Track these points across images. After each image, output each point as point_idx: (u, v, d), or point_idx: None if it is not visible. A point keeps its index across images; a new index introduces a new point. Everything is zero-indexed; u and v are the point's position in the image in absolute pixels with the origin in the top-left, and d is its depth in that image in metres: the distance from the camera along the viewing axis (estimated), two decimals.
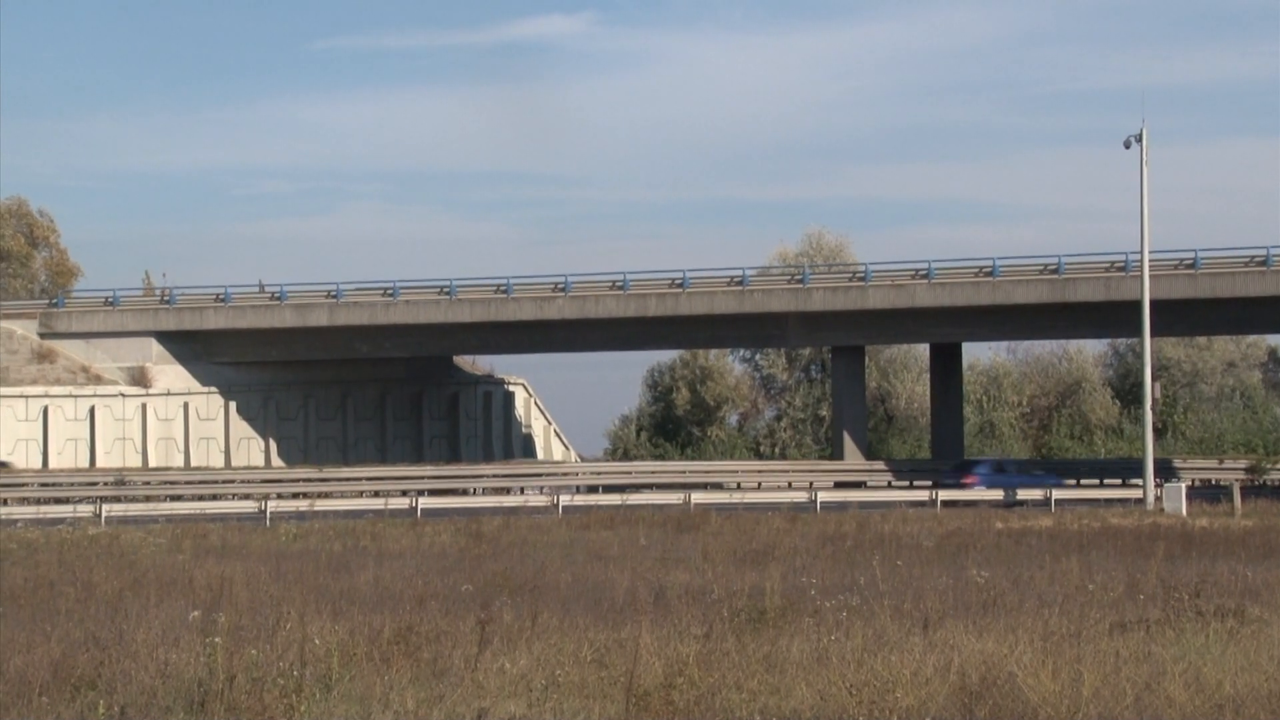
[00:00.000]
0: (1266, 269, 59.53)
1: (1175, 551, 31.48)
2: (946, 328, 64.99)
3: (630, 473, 67.16)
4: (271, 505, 47.19)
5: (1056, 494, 52.27)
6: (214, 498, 57.23)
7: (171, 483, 60.16)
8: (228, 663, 15.80)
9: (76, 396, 66.02)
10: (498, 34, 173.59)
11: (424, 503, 49.49)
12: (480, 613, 20.13)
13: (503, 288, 66.45)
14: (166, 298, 70.11)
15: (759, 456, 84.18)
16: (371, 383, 75.17)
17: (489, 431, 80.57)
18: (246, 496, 54.14)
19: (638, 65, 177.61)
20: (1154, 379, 55.09)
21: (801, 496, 53.45)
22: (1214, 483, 63.21)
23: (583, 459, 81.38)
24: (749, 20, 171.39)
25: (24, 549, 34.36)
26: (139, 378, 67.83)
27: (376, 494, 56.05)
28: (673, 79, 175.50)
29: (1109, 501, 52.10)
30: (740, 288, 64.45)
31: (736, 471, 68.22)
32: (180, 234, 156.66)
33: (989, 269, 62.35)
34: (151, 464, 65.59)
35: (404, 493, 54.34)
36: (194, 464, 67.03)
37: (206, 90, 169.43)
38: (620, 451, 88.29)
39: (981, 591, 23.58)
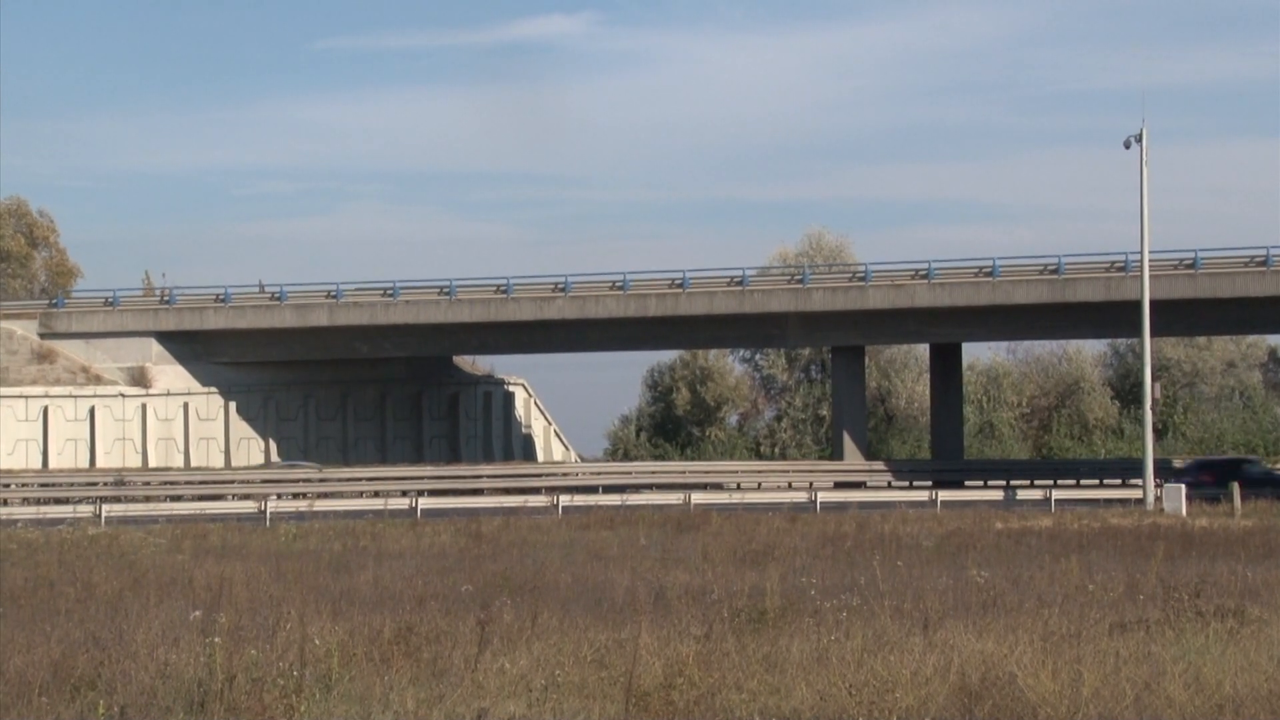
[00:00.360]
0: (1266, 269, 59.55)
1: (1175, 552, 31.47)
2: (946, 328, 65.00)
3: (630, 473, 67.12)
4: (271, 505, 47.20)
5: (1056, 494, 52.27)
6: (214, 498, 57.21)
7: (171, 483, 60.13)
8: (227, 663, 15.80)
9: (76, 397, 66.01)
10: (498, 34, 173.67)
11: (424, 503, 49.49)
12: (480, 613, 20.12)
13: (503, 288, 66.45)
14: (166, 298, 70.12)
15: (759, 457, 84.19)
16: (371, 383, 75.17)
17: (489, 432, 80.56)
18: (246, 497, 54.13)
19: (638, 65, 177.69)
20: (1154, 379, 55.07)
21: (801, 497, 53.43)
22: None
23: (583, 459, 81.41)
24: (750, 20, 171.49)
25: (24, 549, 34.36)
26: (139, 378, 67.84)
27: (377, 494, 56.03)
28: (673, 79, 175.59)
29: (1109, 501, 52.05)
30: (740, 288, 64.45)
31: (736, 472, 68.19)
32: (180, 234, 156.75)
33: (989, 269, 62.36)
34: (151, 464, 65.59)
35: (404, 493, 54.33)
36: (194, 464, 67.03)
37: (206, 90, 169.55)
38: (620, 452, 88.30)
39: (981, 592, 23.58)
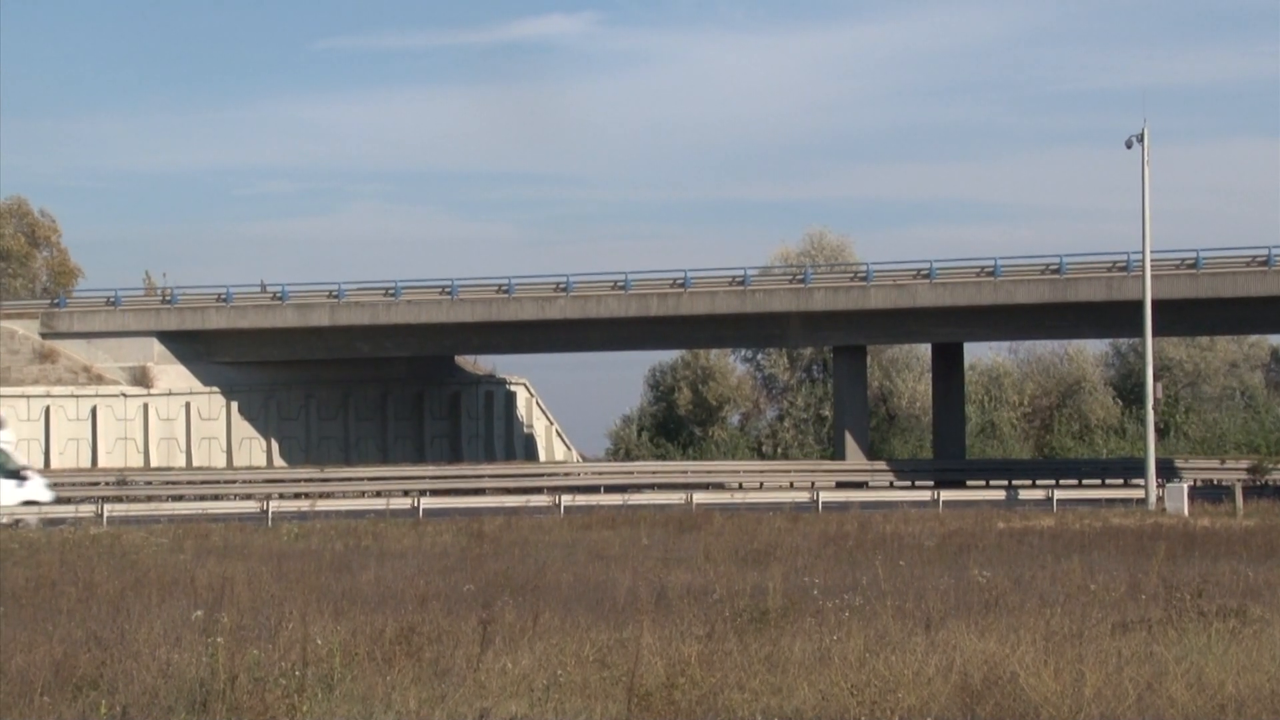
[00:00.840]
0: (1268, 269, 59.55)
1: (1177, 551, 31.45)
2: (948, 327, 64.99)
3: (632, 473, 67.17)
4: (273, 505, 47.20)
5: (1058, 494, 52.29)
6: (216, 498, 57.22)
7: (173, 483, 60.17)
8: (230, 663, 15.79)
9: (78, 396, 66.03)
10: (498, 34, 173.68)
11: (426, 502, 49.51)
12: (482, 612, 20.12)
13: (504, 287, 66.46)
14: (168, 298, 70.15)
15: (761, 456, 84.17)
16: (373, 382, 75.17)
17: (490, 431, 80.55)
18: (248, 496, 54.15)
19: (639, 65, 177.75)
20: (1156, 379, 55.07)
21: (803, 496, 53.39)
22: (1216, 483, 63.23)
23: (584, 459, 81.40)
24: (750, 20, 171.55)
25: (26, 549, 34.34)
26: (141, 378, 67.85)
27: (378, 494, 56.06)
28: (674, 79, 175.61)
29: (1110, 501, 52.02)
30: (742, 287, 64.45)
31: (738, 471, 68.20)
32: (181, 234, 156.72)
33: (990, 269, 62.36)
34: (153, 464, 65.63)
35: (405, 492, 54.35)
36: (196, 464, 67.06)
37: (206, 90, 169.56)
38: (622, 451, 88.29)
39: (983, 591, 23.57)
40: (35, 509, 44.89)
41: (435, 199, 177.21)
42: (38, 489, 46.59)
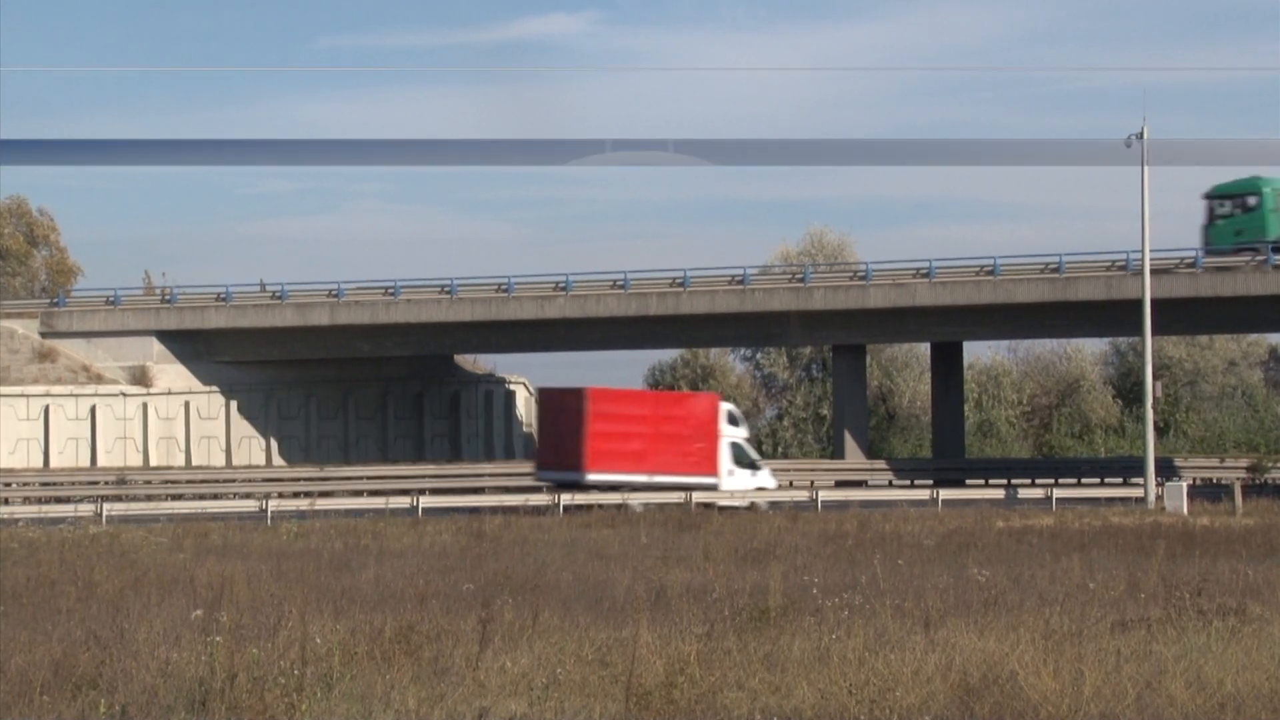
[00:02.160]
0: (1268, 268, 59.52)
1: (1176, 550, 31.47)
2: (948, 326, 64.95)
3: None
4: (273, 504, 47.18)
5: (1057, 493, 52.28)
6: (215, 497, 57.18)
7: (173, 482, 60.12)
8: (229, 662, 15.79)
9: (77, 396, 65.98)
10: (499, 33, 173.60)
11: (425, 501, 49.48)
12: (481, 611, 20.12)
13: (504, 287, 66.42)
14: (168, 297, 70.08)
15: (760, 455, 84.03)
16: (373, 382, 75.12)
17: (490, 430, 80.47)
18: (248, 495, 54.10)
19: (639, 64, 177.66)
20: (1155, 378, 55.06)
21: (802, 495, 53.40)
22: (1215, 481, 63.20)
23: None
24: (751, 19, 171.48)
25: (25, 548, 34.34)
26: (140, 377, 67.80)
27: (378, 493, 56.00)
28: (674, 78, 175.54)
29: (1110, 500, 52.03)
30: (741, 286, 64.41)
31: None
32: (181, 233, 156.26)
33: (990, 268, 62.33)
34: (153, 463, 65.54)
35: (405, 491, 54.29)
36: (195, 463, 67.02)
37: (207, 90, 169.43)
38: None
39: (983, 590, 23.59)
40: (765, 495, 52.68)
41: (435, 198, 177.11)
42: (766, 478, 54.69)
